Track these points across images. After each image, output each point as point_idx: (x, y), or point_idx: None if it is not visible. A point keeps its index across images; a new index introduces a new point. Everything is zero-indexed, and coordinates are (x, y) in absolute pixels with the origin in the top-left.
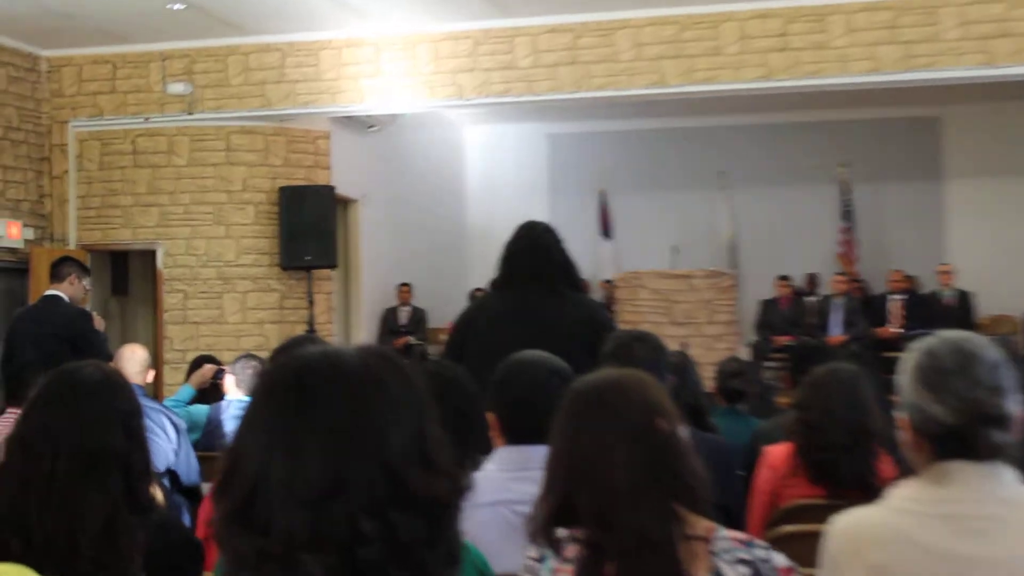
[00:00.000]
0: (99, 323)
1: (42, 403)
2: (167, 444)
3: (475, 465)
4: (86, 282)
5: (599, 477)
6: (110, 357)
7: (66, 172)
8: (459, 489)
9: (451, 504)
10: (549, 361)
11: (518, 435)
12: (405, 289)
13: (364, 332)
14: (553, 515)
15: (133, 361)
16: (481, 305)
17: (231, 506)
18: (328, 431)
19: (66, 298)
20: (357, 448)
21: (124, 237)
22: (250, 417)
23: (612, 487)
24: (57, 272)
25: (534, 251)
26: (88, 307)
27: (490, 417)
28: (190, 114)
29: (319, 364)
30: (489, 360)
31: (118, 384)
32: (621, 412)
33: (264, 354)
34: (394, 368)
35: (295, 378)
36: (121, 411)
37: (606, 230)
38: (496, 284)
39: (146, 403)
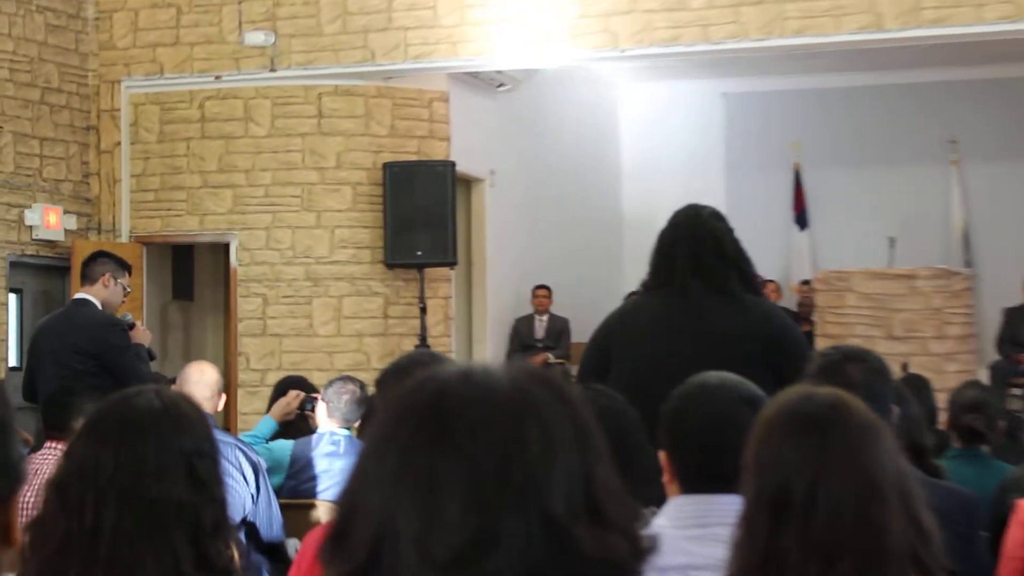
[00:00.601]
0: (142, 335)
1: (85, 440)
2: (243, 488)
3: (643, 519)
4: (124, 282)
5: (865, 537)
6: (148, 379)
7: (118, 145)
8: (639, 551)
9: (628, 569)
10: (739, 386)
11: (698, 481)
12: (543, 293)
13: (490, 347)
14: None
15: (201, 384)
16: (630, 312)
17: (348, 567)
18: (473, 473)
19: (98, 303)
20: (510, 494)
21: (189, 227)
22: (372, 454)
23: (883, 551)
24: (88, 271)
25: (699, 242)
26: (141, 316)
27: (661, 458)
28: (272, 71)
29: (461, 387)
30: (644, 384)
31: (181, 416)
32: (881, 445)
33: (364, 376)
34: (556, 394)
35: (431, 405)
36: (185, 451)
37: (801, 216)
38: (649, 285)
39: (217, 436)
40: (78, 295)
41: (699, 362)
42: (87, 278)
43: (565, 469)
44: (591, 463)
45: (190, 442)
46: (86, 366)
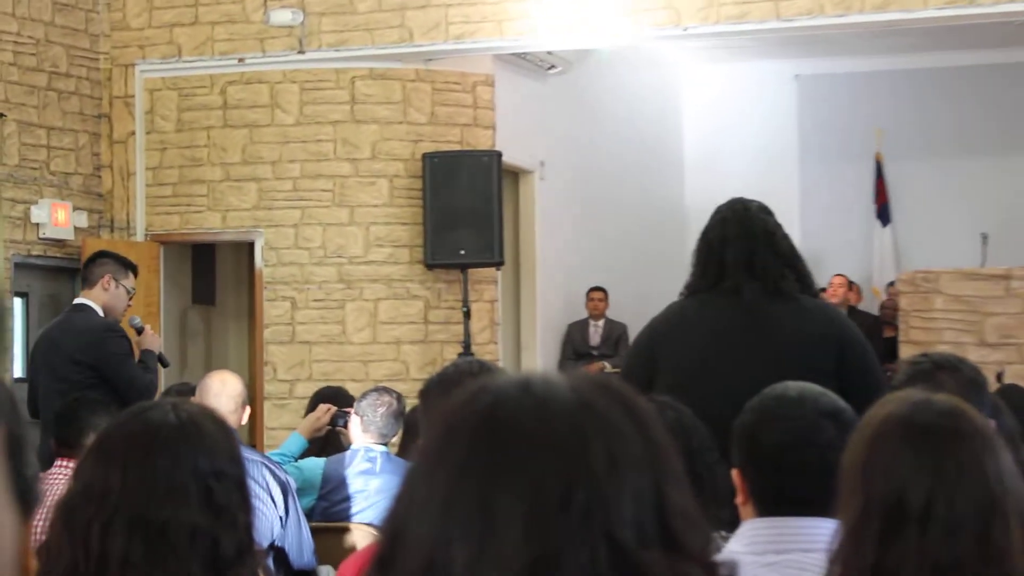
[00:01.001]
0: (151, 340)
1: (93, 459)
2: (271, 511)
3: (715, 545)
4: (128, 283)
5: (984, 556)
6: (151, 390)
7: (132, 135)
8: None
9: None
10: (820, 398)
11: (776, 503)
12: (598, 296)
13: (540, 355)
14: None
15: (223, 396)
16: (676, 316)
17: None
18: (532, 495)
19: (98, 308)
20: (573, 517)
21: (210, 224)
22: (419, 475)
23: (1003, 573)
24: (86, 273)
25: (751, 239)
26: (158, 322)
27: (735, 477)
28: (301, 52)
29: (518, 399)
30: (698, 396)
31: (200, 433)
32: (1000, 459)
33: (403, 387)
34: (624, 407)
35: (485, 419)
36: (201, 471)
37: (883, 211)
38: (693, 288)
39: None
40: (76, 300)
41: (759, 371)
42: (86, 281)
43: (634, 490)
44: (663, 484)
45: (207, 462)
46: (84, 377)
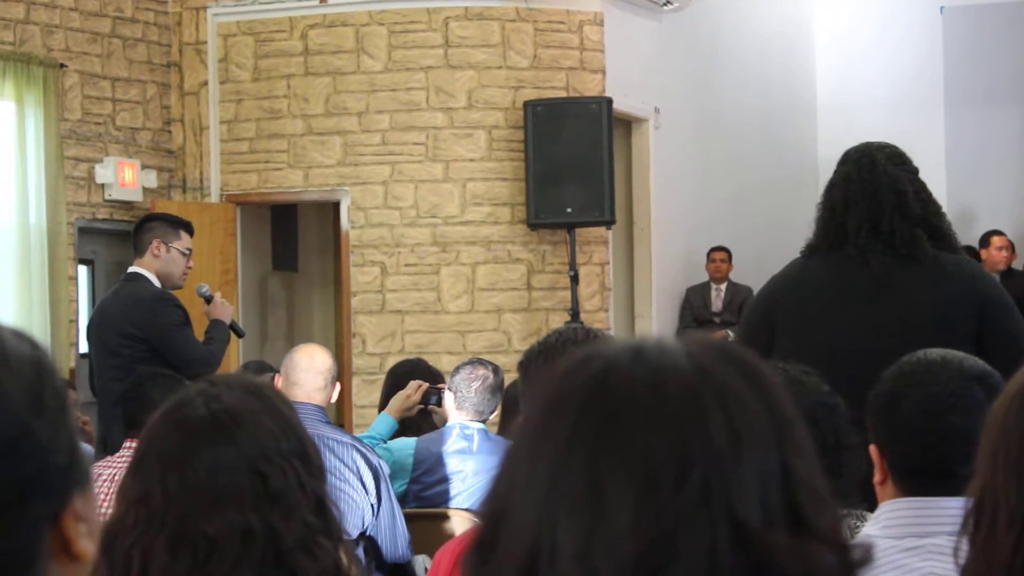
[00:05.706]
0: (221, 310)
1: (131, 477)
2: (362, 498)
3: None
4: (180, 245)
5: None
6: (206, 363)
7: (204, 85)
8: (848, 564)
9: None
10: (965, 360)
11: (918, 480)
12: (720, 256)
13: (656, 323)
14: None
15: (311, 372)
16: (796, 279)
17: None
18: (645, 469)
19: (152, 277)
20: (690, 496)
21: (291, 183)
22: (521, 452)
23: None
24: (136, 241)
25: (875, 202)
26: (236, 290)
27: (872, 454)
28: None
29: (630, 368)
30: (823, 365)
31: (235, 420)
32: None
33: (504, 360)
34: (746, 374)
35: (594, 390)
36: (248, 462)
37: None
38: (815, 247)
39: (330, 434)
40: (129, 269)
41: (887, 340)
42: (136, 249)
43: (758, 466)
44: (790, 459)
45: (253, 448)
46: (136, 351)
